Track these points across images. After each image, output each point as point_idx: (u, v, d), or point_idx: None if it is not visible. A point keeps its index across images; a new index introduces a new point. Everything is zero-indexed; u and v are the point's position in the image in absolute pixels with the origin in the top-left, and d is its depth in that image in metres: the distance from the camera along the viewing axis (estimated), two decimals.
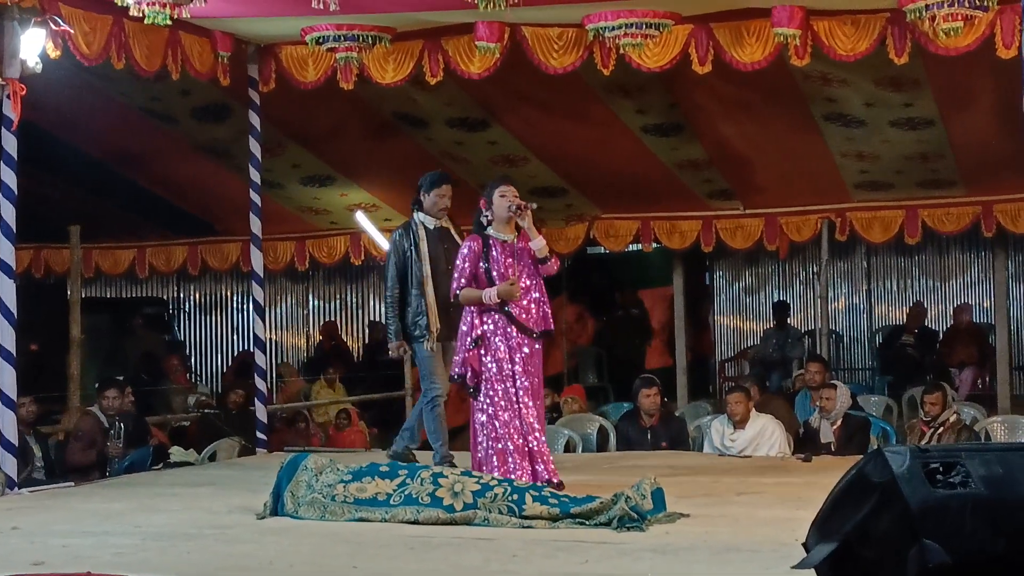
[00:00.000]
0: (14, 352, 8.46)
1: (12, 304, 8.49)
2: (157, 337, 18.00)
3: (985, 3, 8.69)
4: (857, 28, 9.49)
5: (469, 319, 7.78)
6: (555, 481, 7.45)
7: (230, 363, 18.67)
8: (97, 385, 11.46)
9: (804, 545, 4.42)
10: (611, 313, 17.43)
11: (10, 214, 8.55)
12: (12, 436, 8.49)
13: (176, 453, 11.01)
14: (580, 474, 8.47)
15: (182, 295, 19.47)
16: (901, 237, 14.53)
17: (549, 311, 7.90)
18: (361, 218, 14.22)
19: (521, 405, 7.61)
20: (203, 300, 19.44)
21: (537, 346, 7.79)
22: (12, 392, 8.46)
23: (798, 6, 9.31)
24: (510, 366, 7.64)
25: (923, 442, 9.76)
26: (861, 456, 4.65)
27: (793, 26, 9.33)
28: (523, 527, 6.33)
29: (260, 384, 11.18)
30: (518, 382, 7.63)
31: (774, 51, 9.63)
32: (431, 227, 8.76)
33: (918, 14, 8.87)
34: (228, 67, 10.45)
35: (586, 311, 17.81)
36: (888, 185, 13.97)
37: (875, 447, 9.10)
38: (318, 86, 10.77)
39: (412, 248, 8.72)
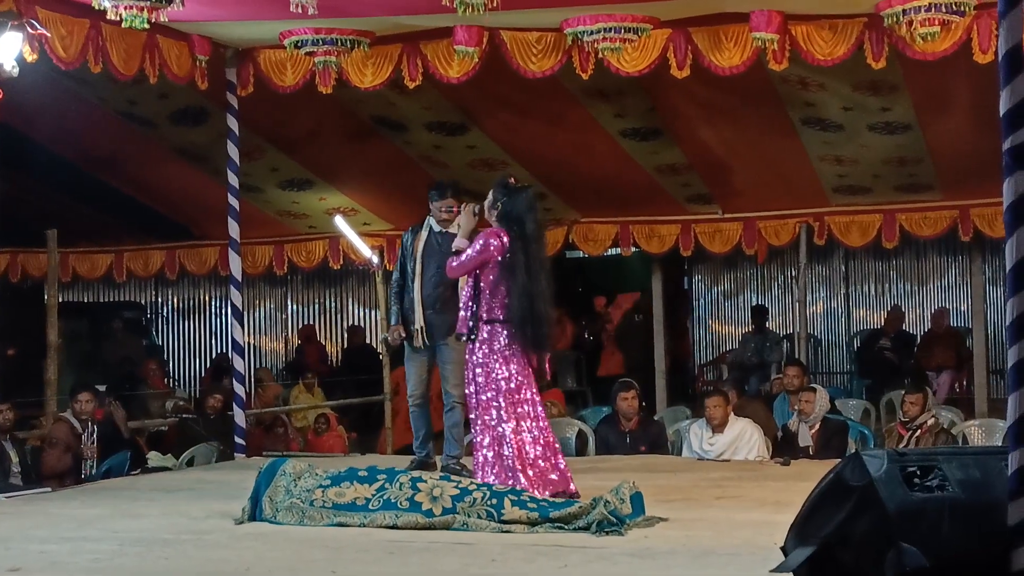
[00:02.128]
0: None
1: None
2: (135, 342, 17.95)
3: (962, 8, 8.75)
4: (835, 33, 9.53)
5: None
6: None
7: (208, 367, 18.62)
8: (70, 390, 11.41)
9: (782, 549, 4.43)
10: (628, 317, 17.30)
11: None
12: None
13: (154, 458, 10.97)
14: None
15: (160, 299, 19.41)
16: (879, 241, 14.59)
17: (461, 314, 7.66)
18: (340, 222, 14.17)
19: None
20: (181, 304, 19.38)
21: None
22: None
23: (776, 11, 9.35)
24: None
25: (901, 446, 9.77)
26: (839, 460, 4.66)
27: (771, 31, 9.36)
28: (502, 531, 6.32)
29: (238, 389, 11.15)
30: None
31: (752, 55, 9.65)
32: (436, 230, 8.70)
33: (895, 19, 8.92)
34: (206, 71, 10.43)
35: (565, 316, 17.79)
36: (866, 189, 14.02)
37: (853, 451, 9.13)
38: (297, 90, 10.76)
39: (410, 245, 8.74)
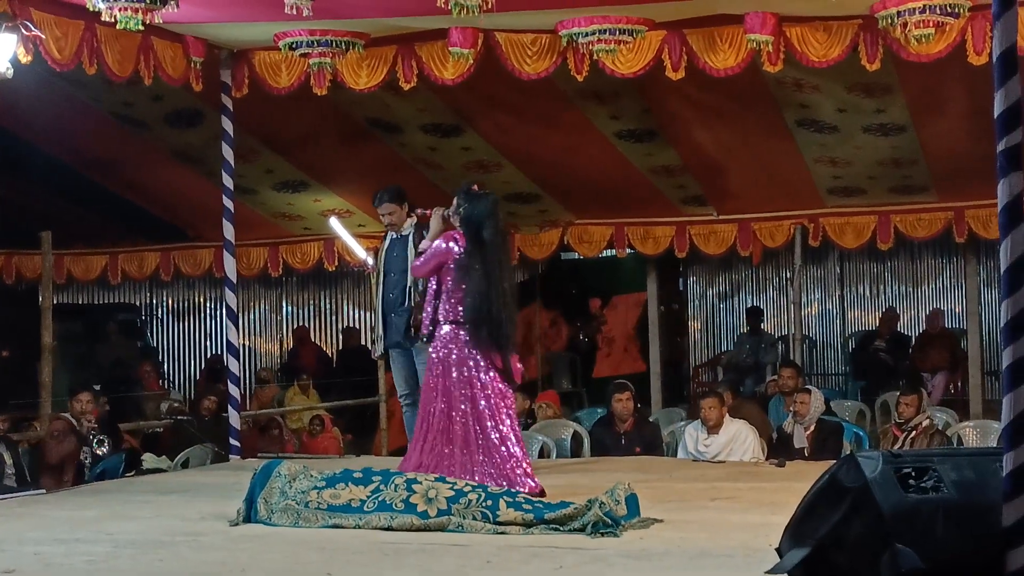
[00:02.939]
0: None
1: None
2: (130, 343, 17.94)
3: (956, 10, 8.75)
4: (829, 34, 9.54)
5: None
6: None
7: (203, 369, 18.62)
8: (69, 390, 11.40)
9: (777, 550, 4.44)
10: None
11: None
12: None
13: (148, 460, 10.95)
14: (554, 479, 8.46)
15: (155, 301, 19.40)
16: (874, 243, 14.60)
17: (424, 314, 7.94)
18: (335, 224, 14.13)
19: None
20: (176, 306, 19.37)
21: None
22: None
23: (771, 12, 9.35)
24: None
25: (896, 447, 9.78)
26: (834, 461, 4.66)
27: (766, 32, 9.37)
28: (497, 533, 6.31)
29: (233, 390, 11.14)
30: None
31: (747, 57, 9.65)
32: (394, 236, 8.91)
33: (890, 21, 8.92)
34: (201, 72, 10.42)
35: (560, 317, 17.82)
36: (861, 191, 14.03)
37: (848, 452, 9.14)
38: (291, 91, 10.75)
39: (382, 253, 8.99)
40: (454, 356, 7.70)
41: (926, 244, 16.33)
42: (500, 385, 7.72)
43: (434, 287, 7.86)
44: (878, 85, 11.14)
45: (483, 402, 7.65)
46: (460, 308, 7.70)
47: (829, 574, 4.15)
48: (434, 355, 7.76)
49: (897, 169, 13.31)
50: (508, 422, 7.71)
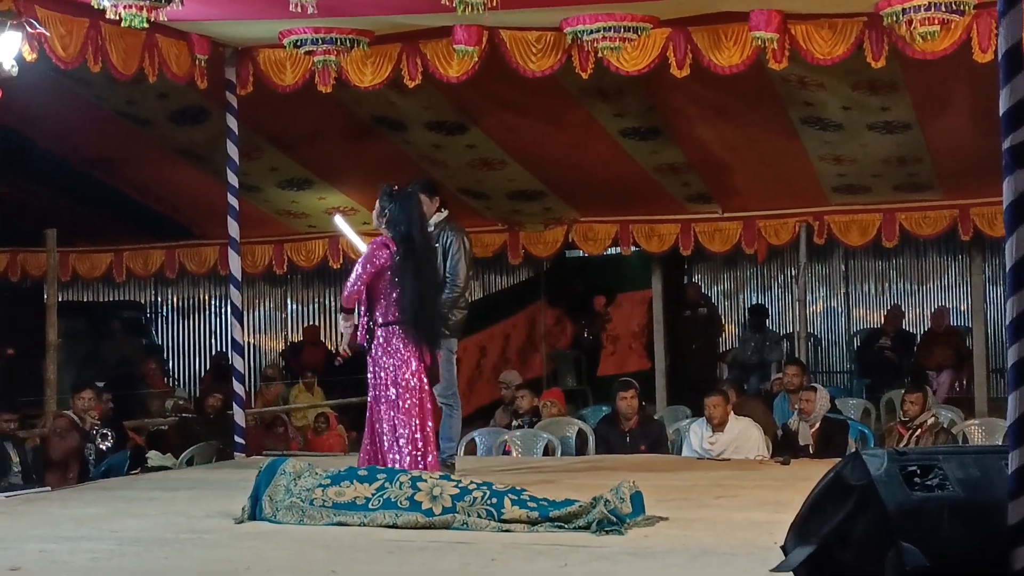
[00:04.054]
0: None
1: None
2: (134, 341, 17.95)
3: (961, 7, 8.74)
4: (834, 32, 9.53)
5: None
6: None
7: (208, 367, 18.62)
8: (72, 388, 11.42)
9: (782, 548, 4.43)
10: (680, 314, 16.88)
11: None
12: None
13: (154, 457, 10.97)
14: (559, 477, 8.47)
15: (159, 299, 19.41)
16: (879, 240, 14.58)
17: (359, 322, 7.99)
18: (339, 221, 14.18)
19: None
20: (181, 304, 19.37)
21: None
22: None
23: (776, 10, 9.35)
24: None
25: (901, 445, 9.78)
26: (839, 459, 4.65)
27: (771, 30, 9.36)
28: (502, 531, 6.31)
29: (238, 388, 11.14)
30: None
31: (752, 55, 9.65)
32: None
33: (895, 18, 8.92)
34: (205, 70, 10.43)
35: (564, 315, 17.81)
36: (865, 188, 14.01)
37: (853, 450, 9.13)
38: (296, 89, 10.76)
39: None
40: (389, 358, 7.80)
41: (931, 242, 16.32)
42: (426, 385, 7.88)
43: (364, 295, 7.92)
44: (883, 83, 11.12)
45: (407, 402, 7.77)
46: (394, 309, 7.78)
47: (834, 572, 4.14)
48: (380, 359, 7.83)
49: (902, 167, 13.29)
50: (429, 424, 7.87)
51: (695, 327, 16.62)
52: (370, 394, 7.95)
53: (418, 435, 7.72)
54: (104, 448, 10.65)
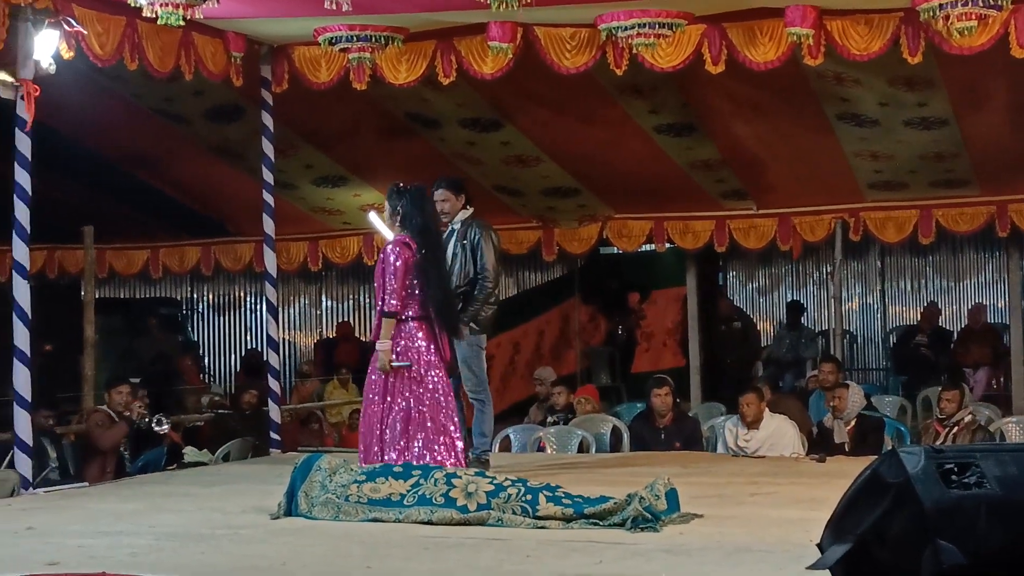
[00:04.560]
0: (29, 353, 8.48)
1: (27, 305, 8.51)
2: (171, 337, 18.04)
3: (999, 2, 8.68)
4: (871, 28, 9.48)
5: None
6: None
7: (242, 363, 18.71)
8: (106, 383, 11.50)
9: (818, 546, 4.41)
10: (716, 328, 16.84)
11: (24, 215, 8.58)
12: (27, 437, 8.52)
13: (190, 453, 11.03)
14: (593, 474, 8.47)
15: (195, 295, 19.50)
16: (915, 237, 14.51)
17: (375, 321, 8.12)
18: (374, 218, 14.22)
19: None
20: (216, 300, 19.47)
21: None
22: (27, 392, 8.48)
23: (811, 6, 9.31)
24: None
25: (937, 442, 9.73)
26: (875, 456, 4.64)
27: (806, 26, 9.32)
28: (536, 527, 6.32)
29: (273, 384, 11.18)
30: None
31: (787, 51, 9.62)
32: (453, 227, 8.94)
33: (932, 13, 8.86)
34: (241, 68, 10.48)
35: (599, 312, 17.79)
36: (902, 185, 13.94)
37: (889, 447, 9.09)
38: (331, 86, 10.79)
39: None
40: (418, 352, 7.88)
41: (968, 238, 16.22)
42: (447, 380, 8.01)
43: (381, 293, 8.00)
44: (920, 78, 11.06)
45: (429, 398, 7.87)
46: (415, 305, 7.90)
47: (871, 570, 4.12)
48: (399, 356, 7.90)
49: (939, 163, 13.22)
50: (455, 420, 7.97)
51: (731, 341, 16.60)
52: (379, 389, 7.96)
53: (443, 432, 7.83)
54: (162, 431, 10.75)
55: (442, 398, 7.89)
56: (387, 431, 7.84)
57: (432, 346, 7.91)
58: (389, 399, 7.87)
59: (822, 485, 7.40)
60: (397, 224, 8.02)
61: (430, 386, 7.87)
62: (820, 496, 6.44)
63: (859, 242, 15.18)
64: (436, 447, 7.79)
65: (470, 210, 8.96)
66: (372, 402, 7.93)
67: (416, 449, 7.79)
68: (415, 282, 7.87)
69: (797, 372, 15.78)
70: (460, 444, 7.94)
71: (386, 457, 7.73)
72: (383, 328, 7.88)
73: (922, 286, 17.66)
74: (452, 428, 7.88)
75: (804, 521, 5.86)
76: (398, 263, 7.82)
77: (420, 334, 7.89)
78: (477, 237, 8.74)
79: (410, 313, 7.88)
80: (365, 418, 8.02)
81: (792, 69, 10.39)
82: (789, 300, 17.56)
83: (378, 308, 8.02)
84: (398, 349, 7.87)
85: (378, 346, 7.91)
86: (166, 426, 10.82)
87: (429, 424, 7.82)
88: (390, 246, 7.98)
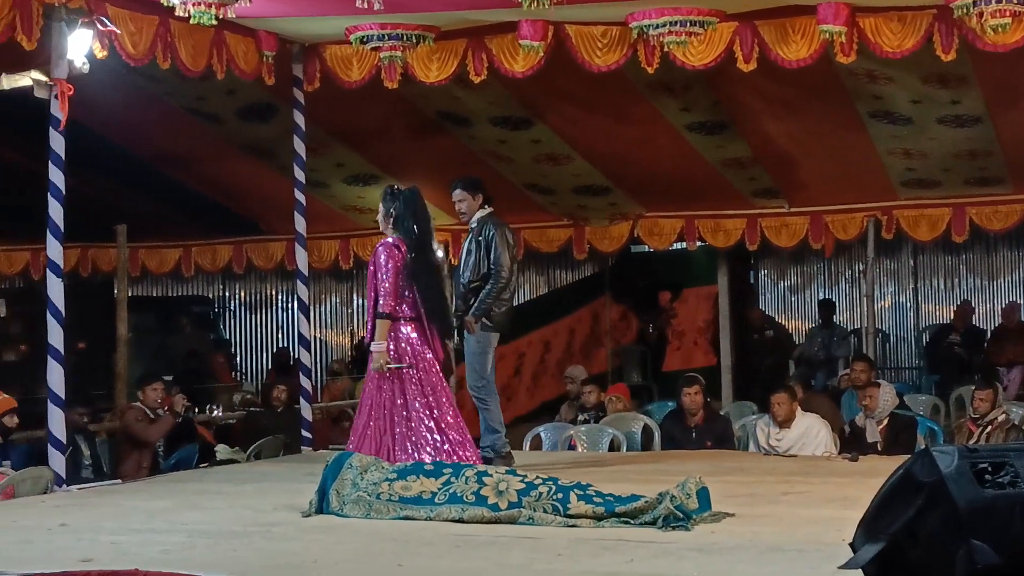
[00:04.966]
0: (63, 350, 8.54)
1: (60, 303, 8.56)
2: (203, 336, 18.12)
3: None
4: (904, 25, 9.44)
5: None
6: None
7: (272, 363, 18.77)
8: (138, 380, 11.56)
9: (851, 545, 4.39)
10: (748, 338, 16.81)
11: (58, 214, 8.63)
12: (61, 434, 8.58)
13: (222, 451, 11.08)
14: (625, 473, 8.45)
15: (227, 294, 19.56)
16: (948, 235, 14.45)
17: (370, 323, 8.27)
18: None
19: None
20: (248, 299, 19.53)
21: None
22: (61, 390, 8.53)
23: (844, 3, 9.27)
24: None
25: (971, 441, 9.68)
26: (908, 456, 4.61)
27: (839, 23, 9.29)
28: (568, 526, 6.31)
29: (305, 382, 11.21)
30: None
31: (820, 48, 9.58)
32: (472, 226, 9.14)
33: (965, 10, 8.81)
34: (273, 67, 10.52)
35: (629, 310, 17.77)
36: (935, 183, 13.87)
37: (922, 446, 9.05)
38: (362, 85, 10.82)
39: None
40: (412, 353, 8.12)
41: (1002, 236, 16.10)
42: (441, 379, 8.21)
43: (372, 296, 8.16)
44: (953, 76, 11.00)
45: (423, 398, 8.08)
46: (407, 307, 8.12)
47: (904, 570, 4.10)
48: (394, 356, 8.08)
49: (972, 161, 13.15)
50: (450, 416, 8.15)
51: (764, 349, 16.57)
52: (375, 388, 8.13)
53: (437, 429, 8.01)
54: (218, 415, 10.86)
55: (442, 397, 8.08)
56: (384, 431, 8.03)
57: (426, 345, 8.10)
58: (386, 400, 8.05)
59: (854, 484, 7.37)
60: (390, 226, 8.25)
61: (426, 386, 8.03)
62: (852, 495, 6.41)
63: (892, 240, 15.12)
64: (426, 446, 7.93)
65: (488, 209, 9.05)
66: (368, 403, 8.14)
67: (410, 449, 7.97)
68: (405, 286, 8.09)
69: (829, 371, 15.72)
70: (467, 443, 8.09)
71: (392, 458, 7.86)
72: (378, 329, 8.07)
73: (955, 284, 17.55)
74: (445, 426, 8.03)
75: (836, 520, 5.83)
76: (389, 264, 8.04)
77: (415, 335, 8.10)
78: (491, 233, 8.86)
79: (403, 314, 8.07)
80: (360, 416, 8.23)
81: (824, 67, 10.35)
82: (821, 298, 17.49)
83: (370, 309, 8.20)
84: (393, 350, 8.03)
85: (373, 347, 8.09)
86: (218, 412, 10.97)
87: (425, 423, 7.91)
88: (381, 248, 8.21)
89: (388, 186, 8.59)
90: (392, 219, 8.23)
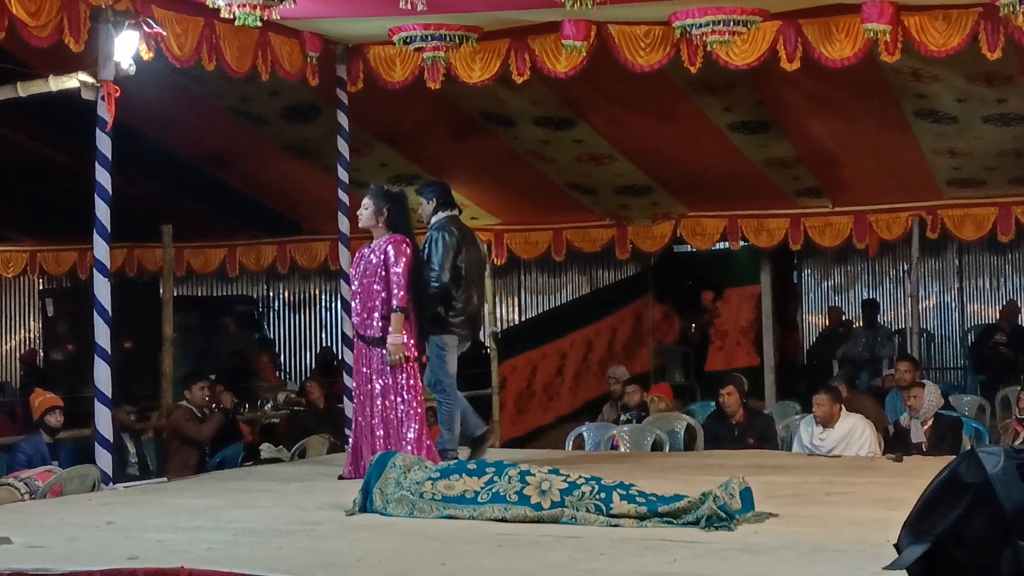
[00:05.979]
0: (109, 350, 8.61)
1: (107, 302, 8.63)
2: (247, 335, 18.21)
3: None
4: (949, 23, 9.39)
5: None
6: None
7: (315, 363, 18.84)
8: (183, 379, 11.64)
9: (895, 546, 4.38)
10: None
11: (105, 214, 8.70)
12: (108, 433, 8.65)
13: (266, 450, 11.13)
14: (668, 473, 8.45)
15: (271, 293, 19.66)
16: (994, 234, 14.36)
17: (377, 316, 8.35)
18: None
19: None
20: (292, 298, 19.61)
21: (365, 348, 8.40)
22: (107, 389, 8.60)
23: (888, 1, 9.22)
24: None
25: (1017, 442, 9.61)
26: (953, 456, 4.59)
27: (883, 22, 9.24)
28: (610, 525, 6.31)
29: (348, 381, 11.24)
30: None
31: (864, 47, 9.54)
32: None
33: (1011, 8, 8.75)
34: (317, 67, 10.57)
35: (672, 310, 17.74)
36: (980, 182, 13.79)
37: (968, 447, 9.00)
38: (405, 86, 10.85)
39: None
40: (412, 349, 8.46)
41: None
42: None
43: (381, 291, 8.30)
44: (999, 74, 10.93)
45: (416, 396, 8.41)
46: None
47: (949, 571, 4.08)
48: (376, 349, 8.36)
49: (1018, 160, 13.06)
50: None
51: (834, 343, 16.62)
52: (372, 383, 8.36)
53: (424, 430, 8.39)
54: (269, 408, 10.97)
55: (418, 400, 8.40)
56: (381, 425, 8.32)
57: (413, 343, 8.40)
58: (380, 394, 8.32)
59: (899, 485, 7.34)
60: (381, 224, 8.42)
61: (414, 382, 8.40)
62: (897, 496, 6.39)
63: (936, 239, 15.03)
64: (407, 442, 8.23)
65: (444, 213, 8.99)
66: (364, 398, 8.42)
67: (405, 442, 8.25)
68: (409, 284, 8.33)
69: (873, 371, 15.64)
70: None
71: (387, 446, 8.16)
72: (394, 323, 8.23)
73: (1001, 284, 17.40)
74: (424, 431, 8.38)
75: (881, 521, 5.81)
76: (403, 260, 8.25)
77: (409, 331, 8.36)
78: (429, 239, 8.89)
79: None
80: (358, 411, 8.53)
81: (868, 66, 10.30)
82: (865, 298, 17.41)
83: (363, 299, 8.36)
84: (413, 343, 8.35)
85: (390, 340, 8.21)
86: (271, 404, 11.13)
87: (406, 423, 8.33)
88: (390, 245, 8.33)
89: (378, 184, 8.80)
90: (384, 217, 8.43)
